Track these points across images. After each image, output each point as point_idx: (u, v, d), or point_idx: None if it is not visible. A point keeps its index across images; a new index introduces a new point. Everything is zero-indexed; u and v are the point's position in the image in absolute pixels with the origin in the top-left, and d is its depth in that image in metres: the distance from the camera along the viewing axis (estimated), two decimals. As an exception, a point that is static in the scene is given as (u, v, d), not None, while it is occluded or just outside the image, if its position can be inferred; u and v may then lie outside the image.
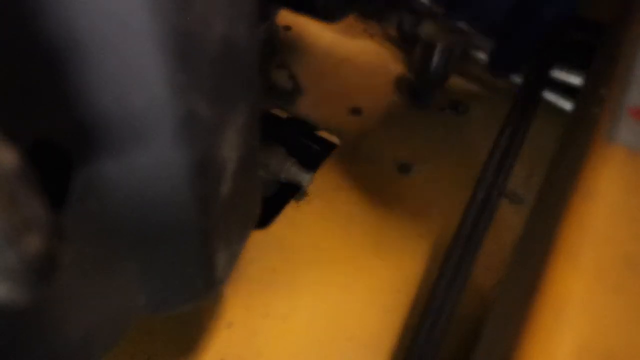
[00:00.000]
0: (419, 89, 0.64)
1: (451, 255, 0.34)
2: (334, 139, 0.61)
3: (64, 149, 0.17)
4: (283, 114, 0.65)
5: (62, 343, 0.19)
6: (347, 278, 0.44)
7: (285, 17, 0.75)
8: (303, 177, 0.47)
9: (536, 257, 0.22)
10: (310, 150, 0.65)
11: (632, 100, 0.24)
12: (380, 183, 0.53)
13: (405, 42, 0.76)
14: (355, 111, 0.62)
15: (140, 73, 0.16)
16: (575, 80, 0.57)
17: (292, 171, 0.47)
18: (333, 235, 0.47)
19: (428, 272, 0.45)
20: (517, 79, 0.62)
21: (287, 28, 0.76)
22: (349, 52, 0.73)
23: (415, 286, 0.43)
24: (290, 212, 0.49)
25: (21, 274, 0.12)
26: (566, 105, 0.60)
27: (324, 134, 0.63)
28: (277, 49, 0.51)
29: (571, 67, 0.57)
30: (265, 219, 0.48)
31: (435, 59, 0.59)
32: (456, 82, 0.69)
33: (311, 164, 0.50)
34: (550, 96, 0.60)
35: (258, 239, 0.46)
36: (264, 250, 0.45)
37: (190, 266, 0.23)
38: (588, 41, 0.51)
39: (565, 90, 0.60)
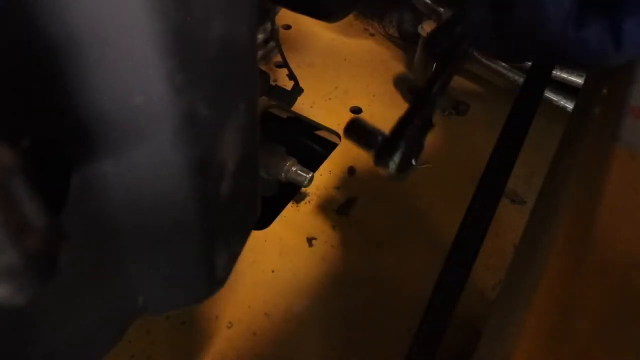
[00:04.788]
0: (419, 89, 0.64)
1: (452, 255, 0.34)
2: (334, 139, 0.60)
3: (63, 148, 0.17)
4: (283, 114, 0.65)
5: (61, 343, 0.19)
6: (346, 278, 0.44)
7: (285, 16, 0.75)
8: (303, 177, 0.47)
9: (537, 257, 0.22)
10: (310, 150, 0.64)
11: (635, 100, 0.24)
12: (381, 183, 0.53)
13: (405, 42, 0.76)
14: (355, 111, 0.62)
15: (140, 73, 0.15)
16: (575, 79, 0.57)
17: (292, 171, 0.47)
18: (333, 236, 0.47)
19: (428, 272, 0.45)
20: (517, 79, 0.62)
21: (287, 27, 0.76)
22: (349, 52, 0.73)
23: (416, 286, 0.43)
24: (290, 212, 0.49)
25: (21, 274, 0.12)
26: (567, 104, 0.60)
27: (324, 134, 0.63)
28: (277, 49, 0.51)
29: (571, 66, 0.57)
30: (265, 219, 0.48)
31: (436, 58, 0.59)
32: (457, 82, 0.69)
33: (311, 164, 0.50)
34: (550, 95, 0.60)
35: (258, 239, 0.46)
36: (264, 251, 0.45)
37: (190, 266, 0.23)
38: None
39: (566, 89, 0.60)
